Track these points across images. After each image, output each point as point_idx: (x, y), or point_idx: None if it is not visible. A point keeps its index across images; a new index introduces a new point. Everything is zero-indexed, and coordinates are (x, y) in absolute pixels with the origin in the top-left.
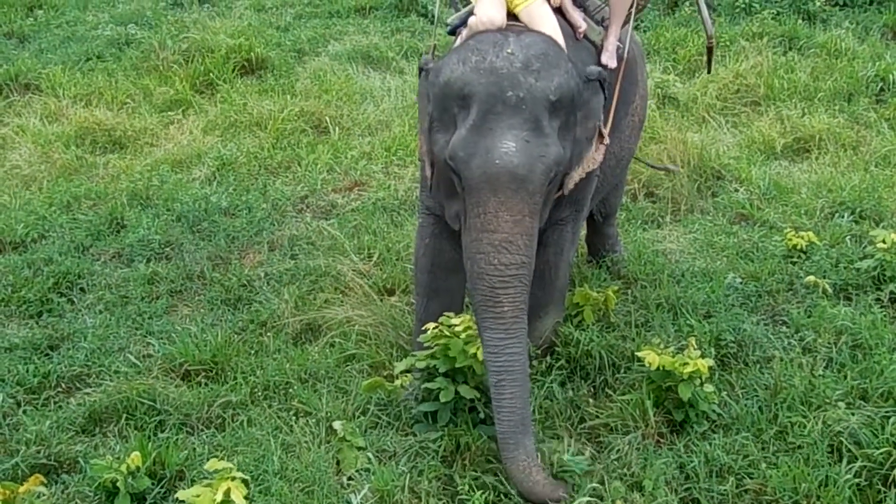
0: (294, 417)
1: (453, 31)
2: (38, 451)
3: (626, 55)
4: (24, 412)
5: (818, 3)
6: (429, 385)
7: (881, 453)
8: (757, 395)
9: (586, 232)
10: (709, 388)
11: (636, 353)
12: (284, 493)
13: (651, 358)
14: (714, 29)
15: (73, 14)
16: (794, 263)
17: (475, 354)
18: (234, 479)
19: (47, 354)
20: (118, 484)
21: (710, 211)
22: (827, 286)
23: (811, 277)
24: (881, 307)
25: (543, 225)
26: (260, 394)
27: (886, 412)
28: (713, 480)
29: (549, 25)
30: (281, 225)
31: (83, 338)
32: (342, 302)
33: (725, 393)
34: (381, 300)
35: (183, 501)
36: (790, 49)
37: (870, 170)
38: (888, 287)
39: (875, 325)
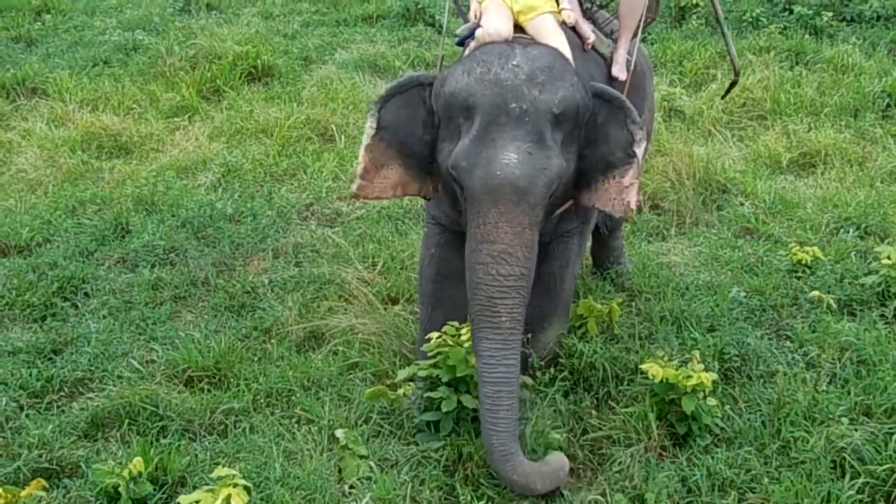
0: (296, 425)
1: (462, 43)
2: (41, 456)
3: (634, 67)
4: (27, 416)
5: (825, 19)
6: (431, 394)
7: (884, 470)
8: (760, 410)
9: (591, 244)
10: (712, 401)
11: (640, 366)
12: (286, 500)
13: (654, 370)
14: (740, 65)
15: (80, 19)
16: (798, 278)
17: None
18: (236, 485)
19: (50, 359)
20: (120, 489)
21: (715, 224)
22: (831, 301)
23: (816, 292)
24: (885, 323)
25: (550, 237)
26: (262, 401)
27: (890, 428)
28: (715, 494)
29: (556, 38)
30: (286, 232)
31: (87, 342)
32: (346, 310)
33: (728, 407)
34: (385, 309)
35: None
36: (797, 64)
37: (875, 185)
38: (893, 303)
39: (879, 341)
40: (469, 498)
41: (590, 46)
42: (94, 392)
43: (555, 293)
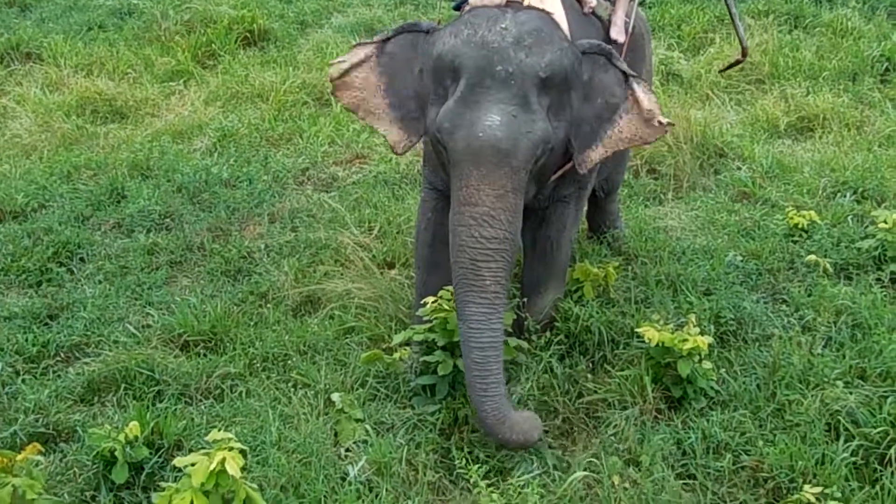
0: (292, 389)
1: (458, 7)
2: (37, 420)
3: (632, 30)
4: (23, 381)
5: None
6: (427, 358)
7: (878, 432)
8: (755, 373)
9: (588, 208)
10: (707, 364)
11: (635, 330)
12: (282, 463)
13: (650, 334)
14: (748, 44)
15: None
16: (795, 242)
17: None
18: (231, 449)
19: (46, 324)
20: (116, 453)
21: (712, 188)
22: (828, 265)
23: (812, 256)
24: (881, 287)
25: (547, 202)
26: (259, 365)
27: (884, 392)
28: (710, 457)
29: (551, 2)
30: (281, 197)
31: (82, 307)
32: (342, 275)
33: (724, 370)
34: (381, 273)
35: (180, 469)
36: (796, 27)
37: (873, 150)
38: (889, 267)
39: (875, 304)
40: (464, 461)
41: (590, 10)
42: (90, 357)
43: (551, 258)
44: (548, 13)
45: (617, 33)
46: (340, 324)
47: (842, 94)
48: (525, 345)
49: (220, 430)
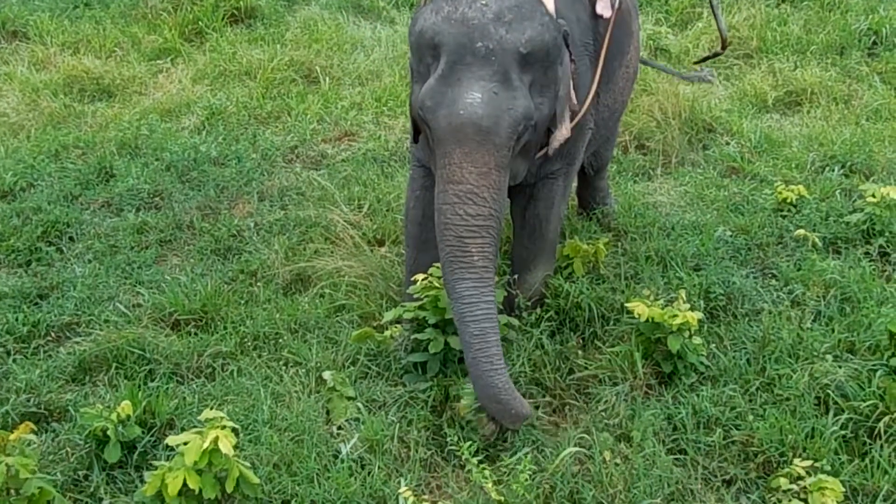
0: (284, 367)
1: None
2: (28, 400)
3: (619, 5)
4: (14, 361)
5: None
6: (418, 336)
7: (867, 406)
8: (745, 348)
9: (577, 185)
10: (697, 340)
11: (625, 305)
12: (274, 442)
13: (640, 310)
14: (728, 33)
15: None
16: (783, 217)
17: None
18: (224, 427)
19: (36, 303)
20: (108, 432)
21: (700, 164)
22: (816, 240)
23: (801, 231)
24: (870, 261)
25: (535, 178)
26: (250, 344)
27: (873, 365)
28: (700, 432)
29: None
30: (271, 175)
31: (72, 287)
32: (332, 252)
33: (714, 345)
34: (371, 251)
35: (172, 448)
36: (783, 1)
37: (861, 124)
38: (877, 241)
39: (863, 278)
40: (456, 438)
41: None
42: (80, 336)
43: (540, 234)
44: None
45: (602, 8)
46: (331, 302)
47: (829, 68)
48: (516, 322)
49: (212, 408)
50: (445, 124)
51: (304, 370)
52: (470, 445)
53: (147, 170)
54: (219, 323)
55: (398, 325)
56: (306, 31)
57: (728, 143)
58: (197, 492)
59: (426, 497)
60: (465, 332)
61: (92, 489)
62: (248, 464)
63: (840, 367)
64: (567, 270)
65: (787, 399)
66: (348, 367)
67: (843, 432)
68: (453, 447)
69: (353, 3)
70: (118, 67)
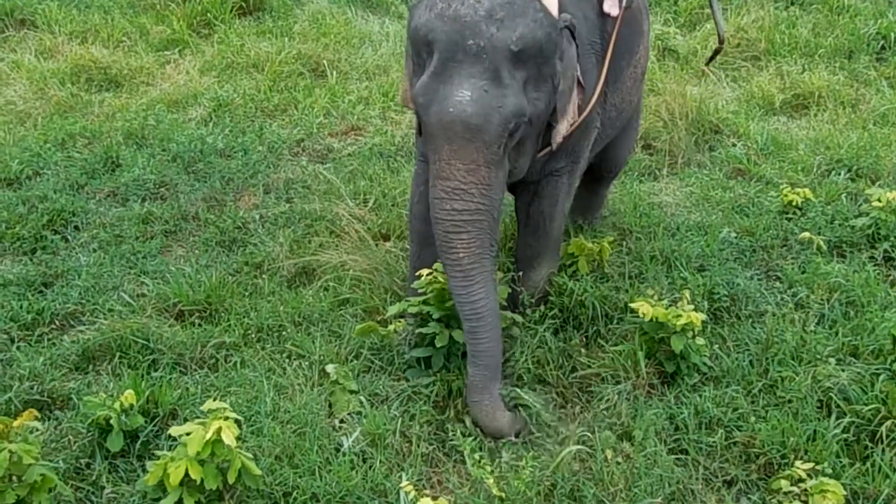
0: (287, 360)
1: None
2: (32, 388)
3: (629, 3)
4: (18, 348)
5: None
6: (422, 330)
7: (870, 410)
8: (748, 350)
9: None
10: (700, 340)
11: (629, 305)
12: (276, 434)
13: (644, 309)
14: (725, 30)
15: None
16: (789, 219)
17: None
18: (226, 418)
19: (41, 291)
20: (111, 421)
21: (706, 165)
22: (821, 243)
23: (806, 234)
24: (875, 265)
25: (538, 176)
26: (253, 336)
27: (876, 369)
28: (702, 432)
29: None
30: (277, 168)
31: (77, 275)
32: (337, 246)
33: (717, 346)
34: (376, 245)
35: (175, 438)
36: (792, 4)
37: (868, 128)
38: (882, 245)
39: (868, 282)
40: (458, 433)
41: None
42: (84, 325)
43: (544, 232)
44: None
45: (610, 6)
46: (335, 295)
47: (837, 72)
48: (519, 318)
49: (215, 399)
50: (436, 121)
51: (307, 363)
52: (472, 441)
53: (153, 160)
54: (223, 314)
55: (402, 320)
56: (314, 25)
57: (734, 145)
58: (199, 482)
59: (427, 492)
60: (464, 326)
61: (94, 477)
62: (250, 455)
63: (843, 370)
64: (572, 268)
65: (790, 401)
66: (351, 360)
67: (844, 435)
68: (455, 442)
69: None
70: (126, 57)
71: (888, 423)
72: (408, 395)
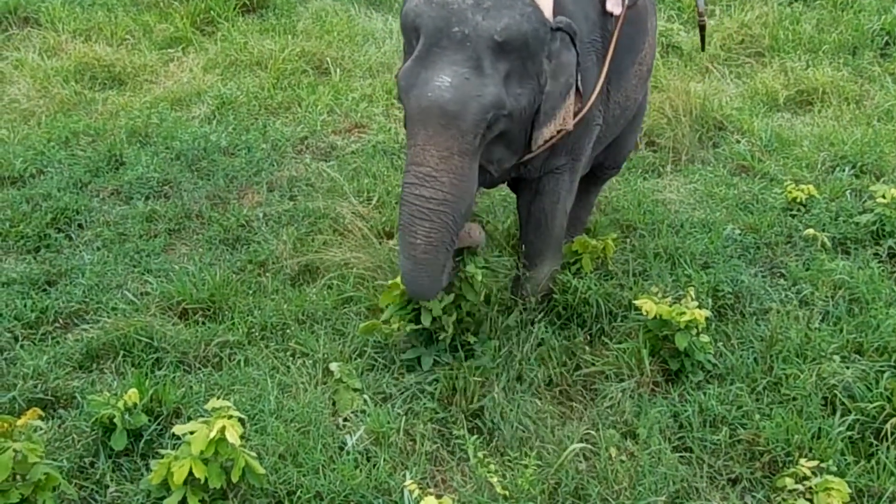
0: (291, 358)
1: None
2: (35, 386)
3: (632, 1)
4: (22, 347)
5: None
6: (412, 326)
7: (874, 407)
8: (752, 347)
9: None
10: (705, 338)
11: (633, 302)
12: (280, 432)
13: (648, 307)
14: (705, 6)
15: None
16: (793, 216)
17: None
18: (230, 417)
19: (45, 290)
20: (115, 420)
21: (710, 161)
22: (826, 240)
23: (810, 230)
24: (879, 262)
25: (539, 173)
26: (257, 334)
27: (881, 366)
28: (707, 430)
29: None
30: (280, 166)
31: (81, 274)
32: (340, 244)
33: (721, 343)
34: (380, 243)
35: (178, 437)
36: (796, 0)
37: (872, 124)
38: (887, 242)
39: (872, 279)
40: (462, 431)
41: None
42: (88, 323)
43: (546, 229)
44: None
45: (613, 5)
46: (339, 293)
47: (841, 68)
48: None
49: (218, 398)
50: (414, 105)
51: (310, 361)
52: (475, 439)
53: (157, 158)
54: (226, 312)
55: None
56: (318, 23)
57: (738, 142)
58: (202, 481)
59: (431, 490)
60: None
61: (98, 476)
62: (253, 454)
63: (847, 367)
64: (575, 266)
65: (794, 399)
66: (355, 358)
67: (849, 433)
68: (459, 441)
69: None
70: (129, 55)
71: (893, 420)
72: (411, 394)
